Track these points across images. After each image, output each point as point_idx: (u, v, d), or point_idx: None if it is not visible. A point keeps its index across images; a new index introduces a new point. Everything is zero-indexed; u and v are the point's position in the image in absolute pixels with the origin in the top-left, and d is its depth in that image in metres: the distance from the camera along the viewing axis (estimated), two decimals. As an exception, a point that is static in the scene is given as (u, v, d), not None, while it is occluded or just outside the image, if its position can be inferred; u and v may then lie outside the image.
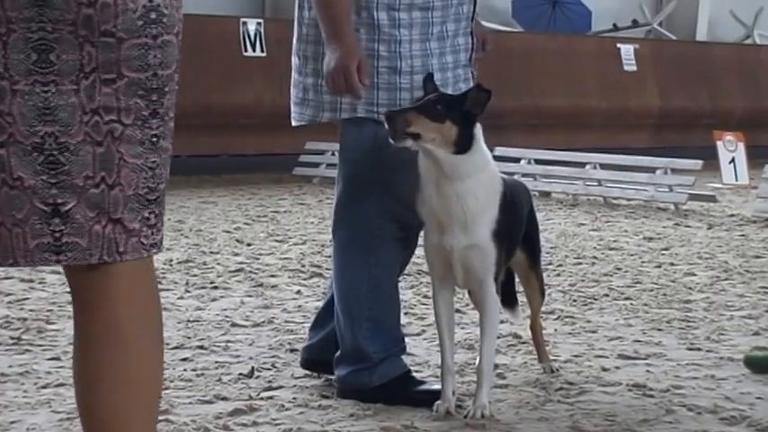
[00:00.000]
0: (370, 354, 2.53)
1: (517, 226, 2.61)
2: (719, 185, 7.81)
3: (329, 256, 2.97)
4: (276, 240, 5.09)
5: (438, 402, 2.46)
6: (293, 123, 2.61)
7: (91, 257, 1.37)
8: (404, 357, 2.64)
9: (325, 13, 2.38)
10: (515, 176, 7.43)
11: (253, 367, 2.82)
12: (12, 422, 2.33)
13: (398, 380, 2.55)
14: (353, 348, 2.55)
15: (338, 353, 2.58)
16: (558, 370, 2.84)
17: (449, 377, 2.47)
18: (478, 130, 2.41)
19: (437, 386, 2.52)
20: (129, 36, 1.36)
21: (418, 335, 3.26)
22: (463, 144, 2.37)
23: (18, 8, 1.32)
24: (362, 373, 2.53)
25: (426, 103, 2.36)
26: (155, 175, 1.41)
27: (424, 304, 3.65)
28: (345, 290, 2.55)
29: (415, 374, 2.64)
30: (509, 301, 2.77)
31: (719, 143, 8.03)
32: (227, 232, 5.32)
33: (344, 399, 2.53)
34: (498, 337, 3.23)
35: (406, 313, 3.48)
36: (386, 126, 2.31)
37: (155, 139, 1.40)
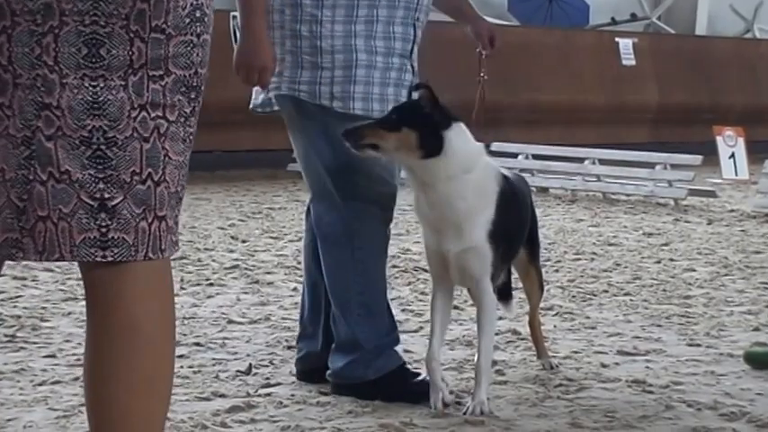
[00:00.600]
0: (362, 342, 2.51)
1: (520, 224, 2.58)
2: (719, 181, 7.80)
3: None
4: (271, 237, 5.07)
5: (432, 395, 2.44)
6: (250, 107, 2.63)
7: (136, 254, 1.37)
8: (399, 351, 2.62)
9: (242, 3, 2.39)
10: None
11: (250, 364, 2.80)
12: (8, 420, 2.32)
13: (394, 373, 2.53)
14: (347, 338, 2.53)
15: (333, 345, 2.57)
16: (557, 366, 2.82)
17: (434, 364, 2.45)
18: (454, 130, 2.35)
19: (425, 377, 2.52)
20: (177, 33, 1.38)
21: (416, 331, 3.25)
22: (429, 147, 2.33)
23: (73, 0, 1.34)
24: (357, 366, 2.51)
25: (382, 117, 2.38)
26: (184, 175, 1.43)
27: (420, 301, 3.63)
28: (333, 279, 2.54)
29: (409, 367, 2.62)
30: (504, 295, 2.75)
31: (719, 138, 8.01)
32: (222, 229, 5.30)
33: (340, 395, 2.51)
34: (497, 334, 3.22)
35: (403, 310, 3.46)
36: (345, 143, 2.34)
37: (191, 137, 1.43)
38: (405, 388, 2.51)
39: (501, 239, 2.43)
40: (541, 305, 3.62)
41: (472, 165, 2.38)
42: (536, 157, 7.48)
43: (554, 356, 2.94)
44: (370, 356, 2.52)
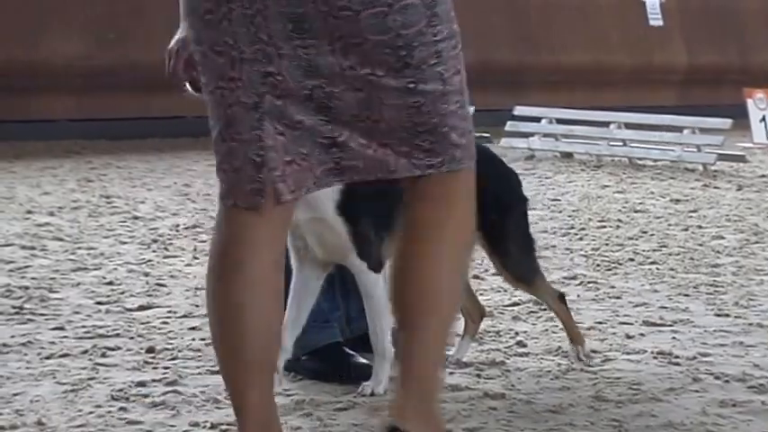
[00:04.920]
0: (324, 310, 2.40)
1: (397, 194, 2.33)
2: (750, 145, 7.66)
3: None
4: (288, 203, 5.01)
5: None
6: None
7: (368, 175, 1.68)
8: (336, 328, 2.48)
9: None
10: (536, 137, 7.38)
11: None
12: (15, 394, 2.29)
13: (322, 352, 2.40)
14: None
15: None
16: (587, 358, 2.57)
17: (280, 354, 2.22)
18: None
19: (365, 360, 2.37)
20: (363, 8, 1.60)
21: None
22: None
23: None
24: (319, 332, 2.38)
25: None
26: (420, 113, 1.67)
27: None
28: None
29: (345, 346, 2.47)
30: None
31: (750, 101, 7.85)
32: (240, 197, 5.25)
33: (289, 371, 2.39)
34: (518, 304, 3.15)
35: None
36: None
37: (412, 86, 1.65)
38: (332, 366, 2.38)
39: (359, 212, 2.23)
40: (564, 274, 3.55)
41: None
42: (560, 121, 7.36)
43: (579, 325, 2.84)
44: (301, 334, 2.36)
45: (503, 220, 2.46)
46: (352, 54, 1.61)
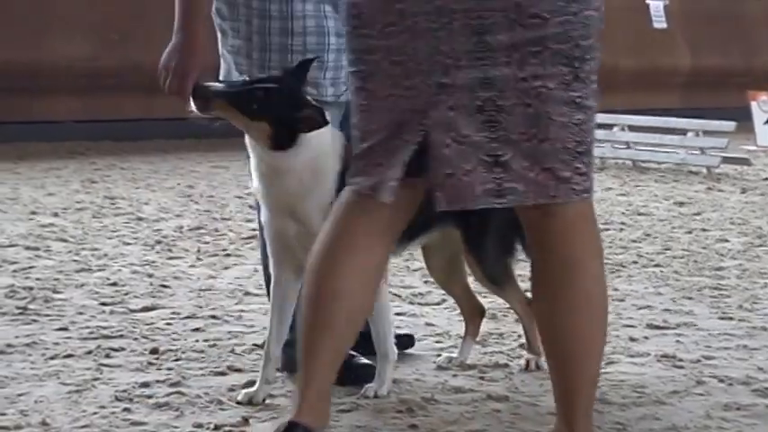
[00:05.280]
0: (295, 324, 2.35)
1: None
2: (754, 148, 7.65)
3: None
4: (292, 206, 5.02)
5: (244, 391, 2.26)
6: (220, 78, 2.47)
7: (526, 200, 1.71)
8: None
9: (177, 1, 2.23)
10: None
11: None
12: (19, 394, 2.29)
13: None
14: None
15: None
16: (541, 368, 2.50)
17: (267, 365, 2.27)
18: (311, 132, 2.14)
19: (368, 361, 2.36)
20: (552, 16, 1.67)
21: (438, 304, 3.19)
22: (281, 143, 2.13)
23: (460, 2, 1.68)
24: (290, 348, 2.35)
25: (243, 92, 2.12)
26: (581, 131, 1.71)
27: (444, 272, 3.55)
28: (262, 255, 2.42)
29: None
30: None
31: (754, 103, 7.83)
32: (240, 198, 5.26)
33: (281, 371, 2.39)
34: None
35: (425, 282, 3.39)
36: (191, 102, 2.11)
37: (578, 100, 1.70)
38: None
39: None
40: None
41: (318, 149, 2.18)
42: (564, 124, 7.34)
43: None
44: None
45: (485, 220, 2.44)
46: (528, 65, 1.67)
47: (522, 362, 2.57)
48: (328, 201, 2.17)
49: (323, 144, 2.20)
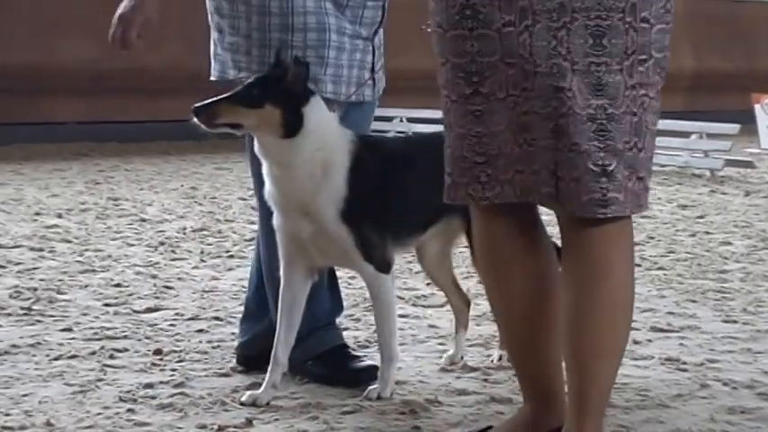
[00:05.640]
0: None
1: (400, 192, 2.29)
2: (757, 150, 7.63)
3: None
4: (294, 207, 5.02)
5: (249, 393, 2.26)
6: (211, 78, 2.48)
7: (625, 210, 1.72)
8: (339, 330, 2.48)
9: None
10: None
11: (270, 339, 2.75)
12: (23, 395, 2.30)
13: (326, 355, 2.37)
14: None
15: (241, 315, 2.46)
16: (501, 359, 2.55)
17: (274, 369, 2.27)
18: (313, 106, 2.19)
19: (371, 362, 2.36)
20: (656, 22, 1.72)
21: (441, 306, 3.18)
22: (291, 126, 2.16)
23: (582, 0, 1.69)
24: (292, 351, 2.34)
25: (240, 90, 2.19)
26: (654, 140, 1.77)
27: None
28: (268, 260, 2.39)
29: (350, 348, 2.47)
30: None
31: (757, 106, 7.82)
32: (243, 199, 5.26)
33: (247, 367, 2.38)
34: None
35: (428, 284, 3.39)
36: (194, 120, 2.15)
37: (659, 109, 1.77)
38: (337, 370, 2.37)
39: (362, 217, 2.21)
40: None
41: (323, 142, 2.19)
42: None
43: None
44: (300, 337, 2.34)
45: None
46: (636, 73, 1.70)
47: (495, 356, 2.57)
48: (340, 197, 2.20)
49: (330, 135, 2.22)
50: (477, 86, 1.74)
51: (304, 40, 2.31)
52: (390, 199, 2.30)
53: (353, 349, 2.52)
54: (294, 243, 2.25)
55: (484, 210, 1.84)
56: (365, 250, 2.24)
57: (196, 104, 2.17)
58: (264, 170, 2.24)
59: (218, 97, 2.21)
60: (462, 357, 2.58)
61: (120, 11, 2.29)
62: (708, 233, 4.55)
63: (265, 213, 2.35)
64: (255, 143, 2.24)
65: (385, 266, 2.27)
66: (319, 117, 2.21)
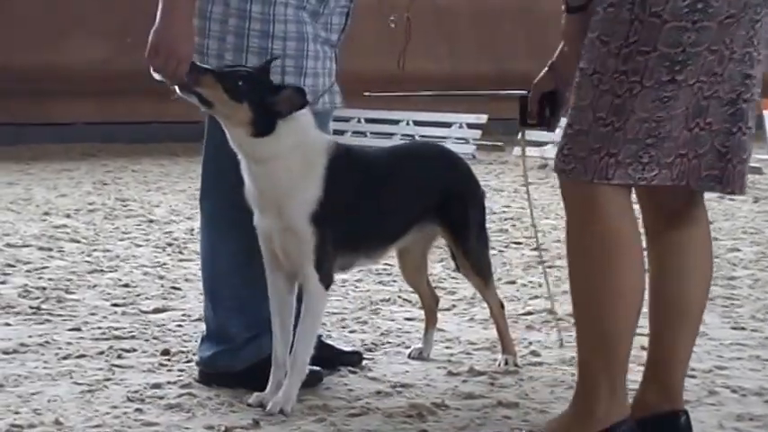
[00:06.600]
0: (232, 334, 2.34)
1: (373, 203, 2.29)
2: (766, 157, 7.60)
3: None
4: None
5: (255, 394, 2.25)
6: None
7: (734, 189, 1.89)
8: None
9: None
10: (549, 146, 7.33)
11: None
12: (32, 393, 2.30)
13: (264, 363, 2.31)
14: (217, 328, 2.36)
15: (203, 333, 2.42)
16: (519, 366, 2.58)
17: (276, 370, 2.27)
18: (289, 120, 2.16)
19: (314, 367, 2.32)
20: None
21: (448, 310, 3.18)
22: (260, 130, 2.14)
23: None
24: (224, 356, 2.34)
25: (231, 73, 2.15)
26: None
27: (453, 278, 3.56)
28: (209, 265, 2.37)
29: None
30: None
31: (766, 112, 7.79)
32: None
33: (207, 384, 2.35)
34: (531, 313, 3.14)
35: (435, 287, 3.38)
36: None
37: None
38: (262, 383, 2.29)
39: (331, 222, 2.19)
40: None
41: (300, 142, 2.18)
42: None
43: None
44: (238, 347, 2.34)
45: (465, 212, 2.50)
46: (758, 64, 1.87)
47: (500, 360, 2.59)
48: (314, 197, 2.18)
49: (307, 133, 2.21)
50: (675, 75, 1.82)
51: (284, 48, 2.27)
52: (362, 208, 2.29)
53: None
54: (267, 244, 2.24)
55: (615, 193, 1.89)
56: (318, 258, 2.22)
57: (194, 62, 2.12)
58: (242, 167, 2.22)
59: (209, 67, 2.18)
60: (428, 355, 2.64)
61: (168, 44, 2.13)
62: (716, 239, 4.53)
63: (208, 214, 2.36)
64: (228, 136, 2.21)
65: (328, 280, 2.25)
66: (295, 123, 2.18)
